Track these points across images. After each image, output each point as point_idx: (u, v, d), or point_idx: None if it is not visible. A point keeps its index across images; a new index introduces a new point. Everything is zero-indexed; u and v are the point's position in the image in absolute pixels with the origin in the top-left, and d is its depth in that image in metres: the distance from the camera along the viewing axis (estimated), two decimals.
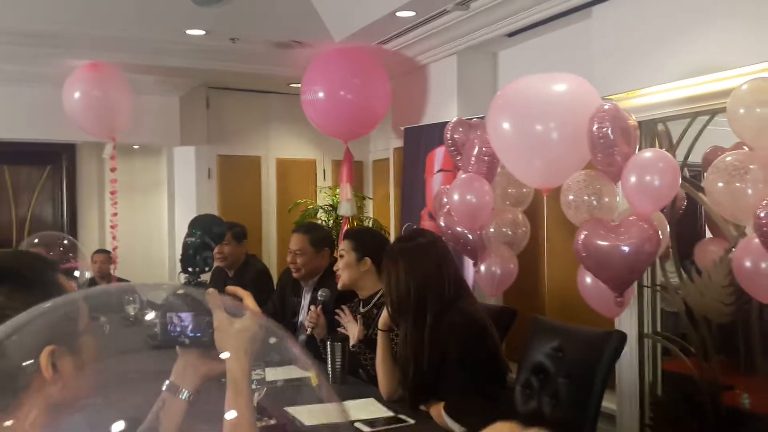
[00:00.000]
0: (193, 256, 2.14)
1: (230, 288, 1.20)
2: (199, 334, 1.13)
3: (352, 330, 2.86)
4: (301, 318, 3.53)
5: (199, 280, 2.22)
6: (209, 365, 1.15)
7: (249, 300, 1.16)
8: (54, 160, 6.29)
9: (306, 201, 6.36)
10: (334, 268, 3.10)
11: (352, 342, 2.81)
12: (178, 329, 1.13)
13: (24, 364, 0.91)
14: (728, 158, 2.52)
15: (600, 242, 2.73)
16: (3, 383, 0.89)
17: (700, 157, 3.20)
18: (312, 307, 3.07)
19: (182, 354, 1.16)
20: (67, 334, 0.97)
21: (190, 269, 2.15)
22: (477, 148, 3.46)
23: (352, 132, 5.06)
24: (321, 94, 4.81)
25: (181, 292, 1.23)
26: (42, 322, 0.92)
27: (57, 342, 0.94)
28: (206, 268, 2.18)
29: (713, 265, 2.97)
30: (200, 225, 2.25)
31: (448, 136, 3.74)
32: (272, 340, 1.22)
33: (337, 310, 2.99)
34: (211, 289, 1.14)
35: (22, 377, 0.91)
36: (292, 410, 2.02)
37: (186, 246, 2.18)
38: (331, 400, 1.10)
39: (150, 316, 1.20)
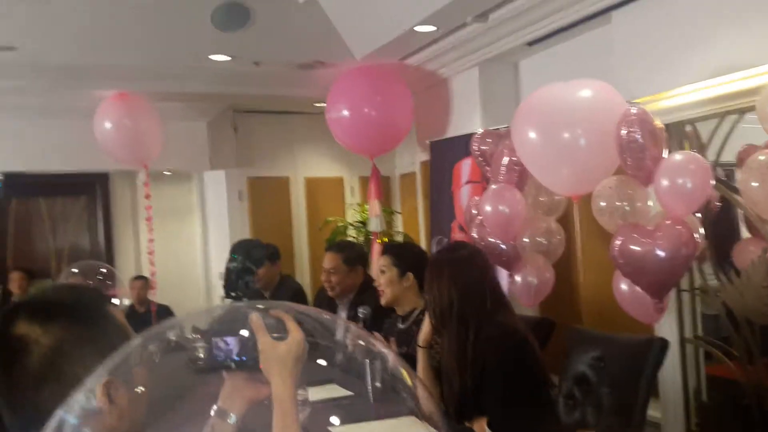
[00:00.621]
0: (235, 281, 2.17)
1: (274, 312, 1.21)
2: (244, 358, 1.14)
3: None
4: (337, 336, 3.53)
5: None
6: (255, 389, 1.16)
7: (291, 322, 1.18)
8: (88, 190, 6.41)
9: (336, 219, 6.39)
10: (376, 284, 3.09)
11: None
12: (223, 354, 1.15)
13: (82, 396, 0.93)
14: (761, 157, 2.49)
15: (637, 248, 2.70)
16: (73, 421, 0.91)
17: (732, 156, 3.15)
18: None
19: (228, 378, 1.18)
20: (121, 365, 1.00)
21: (233, 294, 2.17)
22: (507, 158, 3.45)
23: (377, 148, 5.09)
24: (345, 112, 4.86)
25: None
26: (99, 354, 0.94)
27: (112, 373, 0.97)
28: (249, 292, 2.20)
29: (752, 266, 2.92)
30: (241, 250, 2.27)
31: (476, 147, 3.73)
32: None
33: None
34: (254, 314, 1.16)
35: (84, 411, 0.93)
36: (336, 430, 2.02)
37: (228, 271, 2.20)
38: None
39: (195, 340, 1.22)
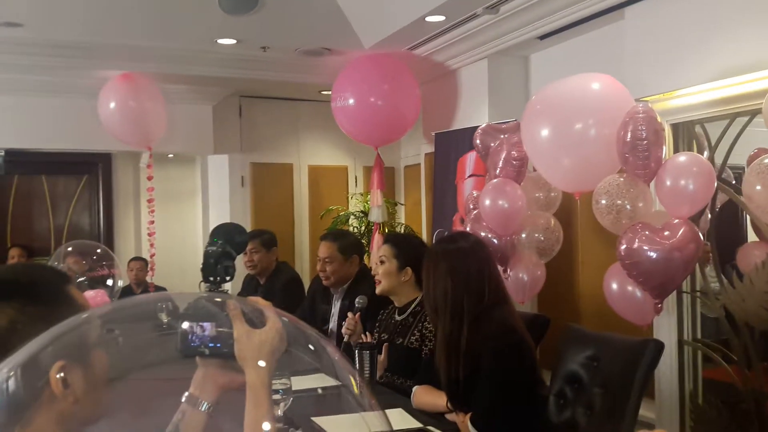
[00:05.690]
0: (213, 266, 2.09)
1: (251, 298, 1.18)
2: (219, 345, 1.11)
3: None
4: (331, 325, 3.51)
5: (220, 289, 2.18)
6: (229, 376, 1.13)
7: (271, 312, 1.14)
8: (90, 170, 6.41)
9: (338, 207, 6.36)
10: (373, 273, 3.06)
11: (379, 373, 2.78)
12: (199, 339, 1.11)
13: (34, 379, 0.90)
14: (766, 160, 2.44)
15: (646, 248, 2.65)
16: (14, 399, 0.88)
17: (742, 159, 3.10)
18: (349, 314, 3.04)
19: (202, 364, 1.15)
20: (78, 349, 0.96)
21: (210, 278, 2.10)
22: (505, 153, 3.40)
23: (382, 138, 5.05)
24: (351, 101, 4.81)
25: (204, 300, 1.20)
26: (53, 336, 0.91)
27: (67, 357, 0.93)
28: (227, 278, 2.13)
29: (755, 271, 2.87)
30: (222, 234, 2.21)
31: (478, 141, 3.68)
32: (311, 347, 1.18)
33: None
34: (231, 300, 1.12)
35: (33, 393, 0.90)
36: (319, 420, 1.99)
37: (207, 255, 2.13)
38: (372, 409, 1.07)
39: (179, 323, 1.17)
